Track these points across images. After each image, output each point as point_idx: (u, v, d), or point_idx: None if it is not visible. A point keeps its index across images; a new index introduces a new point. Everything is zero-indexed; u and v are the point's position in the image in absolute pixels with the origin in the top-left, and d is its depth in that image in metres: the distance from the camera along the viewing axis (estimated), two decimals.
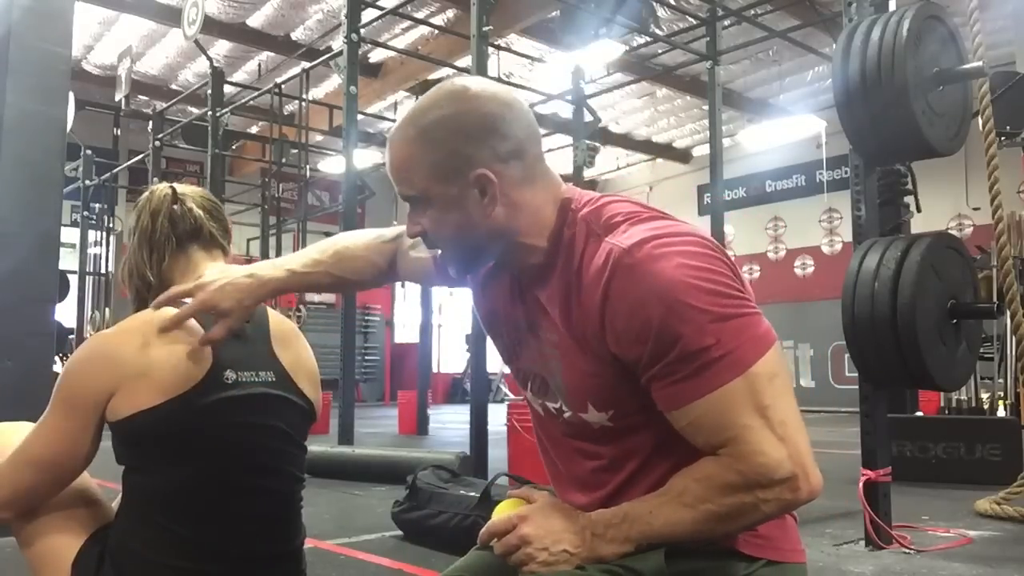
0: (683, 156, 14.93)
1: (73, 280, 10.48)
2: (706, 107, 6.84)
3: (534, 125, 1.08)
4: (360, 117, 7.25)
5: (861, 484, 2.86)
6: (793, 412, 0.96)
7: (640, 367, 0.97)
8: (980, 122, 3.06)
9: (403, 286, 17.65)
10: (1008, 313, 3.12)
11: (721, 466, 0.95)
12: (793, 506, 0.96)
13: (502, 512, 1.07)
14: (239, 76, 11.00)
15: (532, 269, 1.09)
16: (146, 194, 1.50)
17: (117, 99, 9.04)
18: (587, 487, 1.09)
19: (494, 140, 1.03)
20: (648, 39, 7.64)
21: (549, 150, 6.63)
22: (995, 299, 4.91)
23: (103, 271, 11.16)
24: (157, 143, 9.09)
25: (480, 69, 4.51)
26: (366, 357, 15.78)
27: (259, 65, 11.11)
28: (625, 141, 14.16)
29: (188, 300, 1.31)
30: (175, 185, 1.50)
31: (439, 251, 1.13)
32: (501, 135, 1.03)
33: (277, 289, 1.34)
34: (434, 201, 1.05)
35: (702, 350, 0.93)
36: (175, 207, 1.46)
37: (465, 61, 6.58)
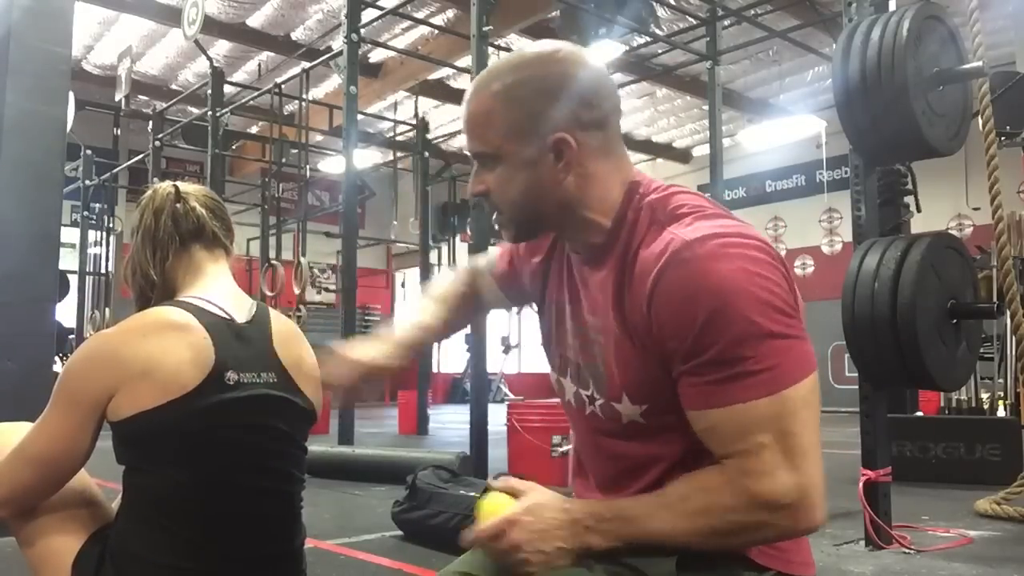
0: (683, 156, 14.93)
1: (73, 280, 10.47)
2: (706, 107, 6.84)
3: (619, 99, 1.07)
4: (360, 117, 7.24)
5: (861, 484, 2.86)
6: (815, 445, 0.93)
7: (675, 360, 0.95)
8: (980, 122, 3.06)
9: (403, 285, 17.69)
10: (1008, 313, 3.12)
11: (727, 480, 0.93)
12: (791, 535, 0.95)
13: (488, 511, 1.02)
14: (239, 76, 10.99)
15: (589, 248, 1.07)
16: (149, 192, 1.49)
17: (117, 99, 9.04)
18: (609, 491, 1.08)
19: (579, 106, 1.01)
20: (648, 39, 7.64)
21: None
22: (995, 299, 4.90)
23: (103, 271, 11.15)
24: (157, 143, 9.09)
25: (480, 69, 4.51)
26: None
27: (259, 65, 11.11)
28: (625, 141, 13.96)
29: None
30: (178, 184, 1.50)
31: (497, 215, 1.09)
32: (587, 103, 1.01)
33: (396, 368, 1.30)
34: (506, 159, 1.02)
35: (740, 359, 0.91)
36: (178, 206, 1.45)
37: (465, 61, 6.58)
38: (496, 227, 1.12)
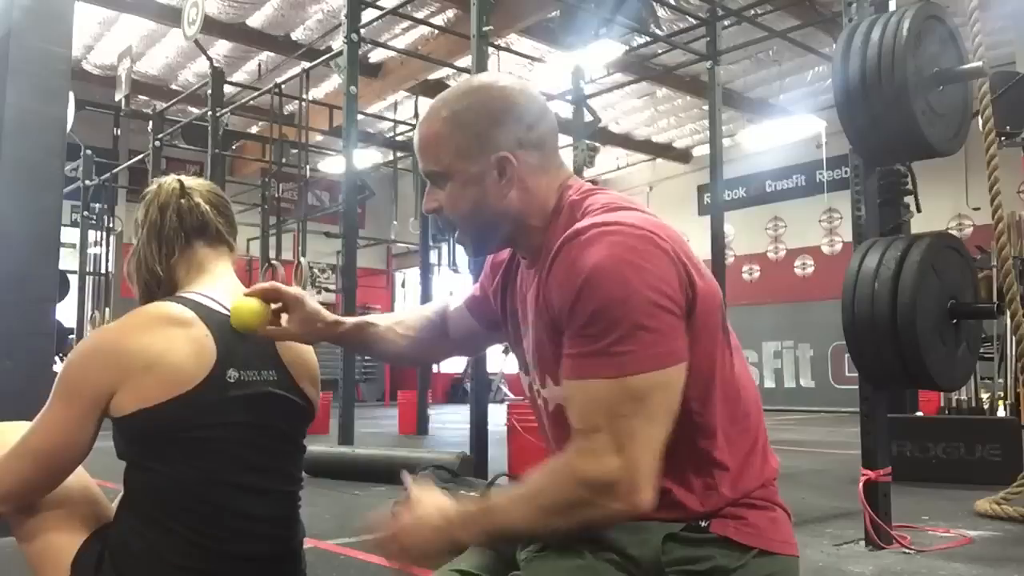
0: (683, 156, 14.93)
1: (73, 280, 10.47)
2: (706, 107, 6.84)
3: (555, 123, 1.18)
4: (360, 117, 7.25)
5: (861, 484, 2.86)
6: (647, 433, 0.96)
7: (563, 335, 1.03)
8: (980, 122, 3.06)
9: (403, 285, 17.69)
10: (1008, 313, 3.12)
11: (564, 459, 0.99)
12: (612, 517, 0.97)
13: (241, 309, 1.30)
14: (239, 76, 11.00)
15: (529, 251, 1.17)
16: (154, 187, 1.48)
17: (117, 99, 9.04)
18: None
19: (519, 129, 1.12)
20: (648, 39, 7.64)
21: None
22: (995, 299, 4.90)
23: (103, 271, 11.15)
24: (157, 143, 9.09)
25: (480, 69, 4.51)
26: (366, 357, 15.77)
27: (259, 65, 11.11)
28: (625, 141, 14.16)
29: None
30: (182, 178, 1.49)
31: (455, 232, 1.18)
32: (526, 125, 1.12)
33: (338, 335, 1.38)
34: (455, 177, 1.12)
35: (596, 337, 0.96)
36: (182, 201, 1.45)
37: (465, 61, 6.59)
38: (457, 243, 1.20)
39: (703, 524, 1.03)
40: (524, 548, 1.13)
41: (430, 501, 1.06)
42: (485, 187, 1.11)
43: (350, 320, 1.41)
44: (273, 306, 1.35)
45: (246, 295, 1.33)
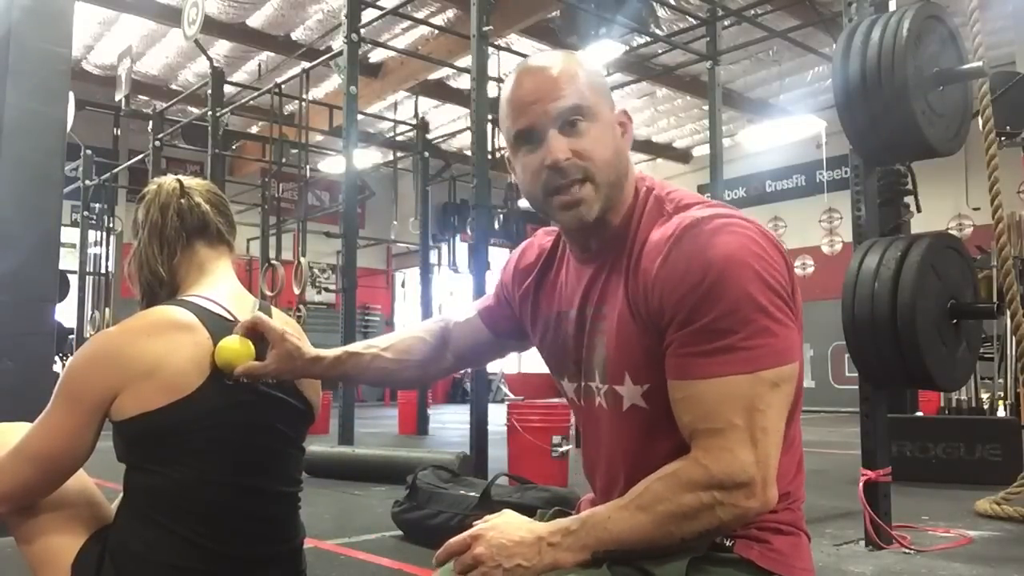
0: (683, 156, 14.94)
1: (73, 280, 10.47)
2: (706, 107, 6.84)
3: None
4: (360, 117, 7.24)
5: (861, 484, 2.86)
6: (777, 428, 0.96)
7: (668, 328, 0.98)
8: (980, 122, 3.06)
9: (403, 285, 17.68)
10: (1008, 313, 3.12)
11: (687, 462, 0.95)
12: (746, 515, 0.95)
13: (225, 349, 1.26)
14: (239, 76, 11.00)
15: (606, 234, 1.09)
16: (153, 187, 1.48)
17: (117, 99, 9.03)
18: (610, 494, 1.07)
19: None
20: (648, 39, 7.64)
21: None
22: (995, 299, 4.90)
23: (103, 271, 11.15)
24: (157, 143, 9.08)
25: (480, 69, 4.51)
26: None
27: (259, 65, 11.11)
28: None
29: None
30: (181, 178, 1.49)
31: (577, 187, 1.04)
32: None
33: (320, 371, 1.33)
34: (599, 117, 1.06)
35: (729, 332, 0.93)
36: (182, 201, 1.45)
37: (465, 61, 6.58)
38: (569, 202, 1.05)
39: (728, 543, 0.99)
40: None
41: (513, 520, 0.99)
42: (617, 136, 1.08)
43: (331, 354, 1.33)
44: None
45: (233, 333, 1.29)
